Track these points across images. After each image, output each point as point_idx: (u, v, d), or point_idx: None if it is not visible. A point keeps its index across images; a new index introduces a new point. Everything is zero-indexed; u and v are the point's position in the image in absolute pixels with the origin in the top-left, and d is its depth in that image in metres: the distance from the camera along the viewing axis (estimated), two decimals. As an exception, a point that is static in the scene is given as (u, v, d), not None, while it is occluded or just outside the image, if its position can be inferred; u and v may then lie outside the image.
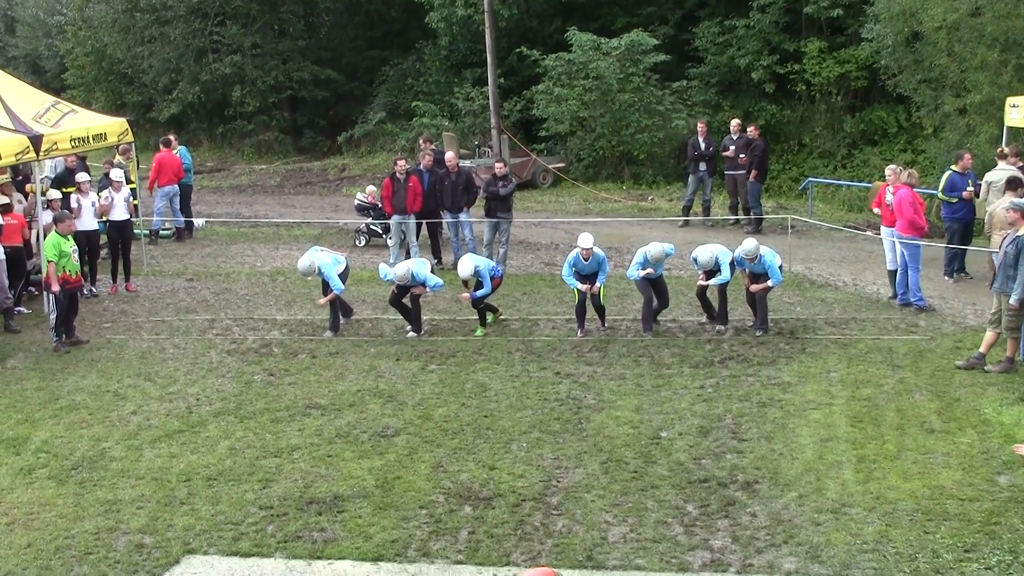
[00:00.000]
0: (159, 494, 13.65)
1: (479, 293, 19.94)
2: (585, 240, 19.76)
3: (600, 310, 20.41)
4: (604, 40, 35.25)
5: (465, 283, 20.39)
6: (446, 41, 41.11)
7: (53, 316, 20.05)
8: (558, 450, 14.84)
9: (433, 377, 17.84)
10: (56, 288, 19.41)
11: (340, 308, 20.58)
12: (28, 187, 24.37)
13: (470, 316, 21.26)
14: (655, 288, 20.21)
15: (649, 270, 20.05)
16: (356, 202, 28.71)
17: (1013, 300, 16.63)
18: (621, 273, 22.51)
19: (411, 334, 20.11)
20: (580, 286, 19.78)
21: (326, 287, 20.23)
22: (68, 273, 19.76)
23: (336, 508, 13.19)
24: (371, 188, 29.27)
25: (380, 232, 27.78)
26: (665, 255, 20.27)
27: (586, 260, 19.68)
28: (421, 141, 30.05)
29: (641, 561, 11.89)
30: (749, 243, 19.59)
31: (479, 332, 20.08)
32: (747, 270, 19.92)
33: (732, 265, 19.84)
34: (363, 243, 28.15)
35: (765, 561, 11.79)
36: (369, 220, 28.04)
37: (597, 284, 19.93)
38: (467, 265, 20.03)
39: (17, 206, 22.58)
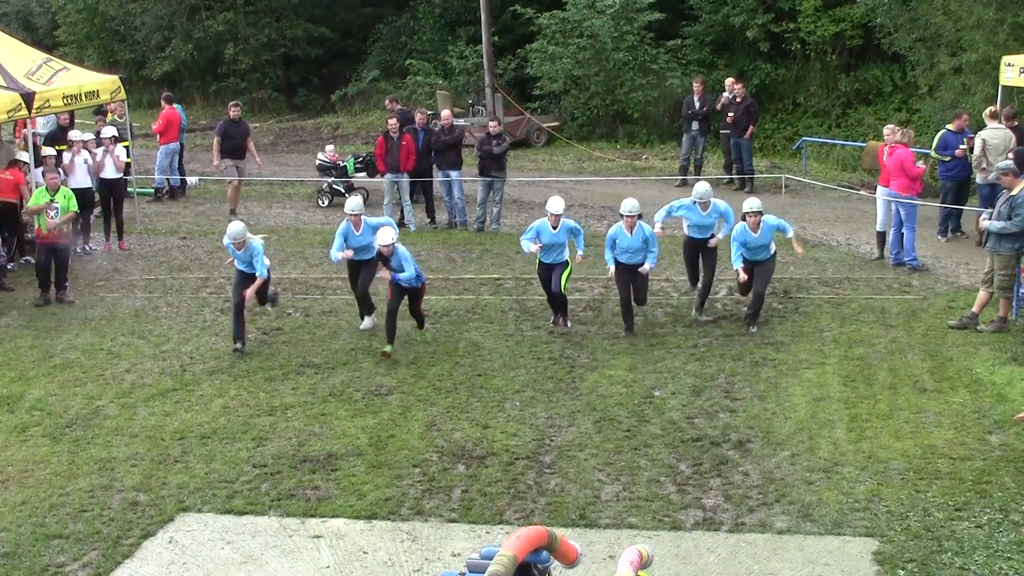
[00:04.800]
0: (153, 452, 13.72)
1: (401, 276, 16.84)
2: (555, 204, 17.76)
3: (561, 302, 17.97)
4: (599, -1, 35.22)
5: (382, 256, 17.11)
6: (439, 0, 41.05)
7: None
8: (551, 409, 14.90)
9: (427, 335, 17.88)
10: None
11: (265, 298, 18.32)
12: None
13: (464, 275, 21.27)
14: (635, 282, 17.72)
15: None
16: (317, 162, 28.81)
17: (986, 223, 17.53)
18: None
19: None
20: (532, 247, 17.61)
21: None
22: (40, 228, 19.87)
23: (330, 466, 13.26)
24: (330, 147, 29.58)
25: (343, 191, 27.67)
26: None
27: (554, 229, 17.58)
28: (387, 100, 29.95)
29: (634, 519, 11.95)
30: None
31: (420, 338, 17.74)
32: (744, 253, 17.56)
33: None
34: (326, 203, 28.16)
35: (757, 520, 11.86)
36: (332, 180, 28.08)
37: (570, 255, 17.85)
38: (388, 233, 16.86)
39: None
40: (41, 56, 25.76)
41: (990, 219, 17.49)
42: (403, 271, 16.69)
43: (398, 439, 14.09)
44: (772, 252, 17.76)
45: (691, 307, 18.48)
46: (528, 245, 17.56)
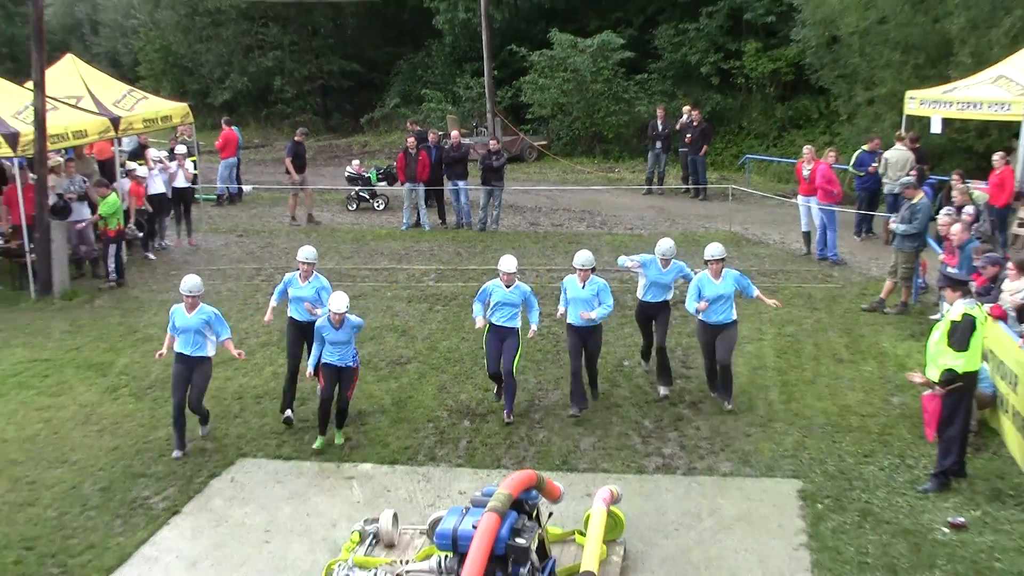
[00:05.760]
0: (217, 409, 13.77)
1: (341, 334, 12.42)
2: (507, 263, 13.20)
3: (510, 385, 13.25)
4: (580, 39, 35.08)
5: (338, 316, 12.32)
6: (449, 40, 40.90)
7: (112, 260, 20.21)
8: (540, 376, 14.97)
9: (438, 316, 17.92)
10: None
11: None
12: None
13: (469, 266, 21.29)
14: (587, 346, 13.45)
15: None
16: (346, 174, 28.82)
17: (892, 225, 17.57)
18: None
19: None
20: (479, 321, 13.20)
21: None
22: (110, 225, 20.06)
23: (360, 421, 13.34)
24: (356, 162, 29.68)
25: (367, 197, 27.91)
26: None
27: (507, 287, 13.12)
28: (408, 123, 30.14)
29: (606, 465, 12.05)
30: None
31: (339, 438, 12.76)
32: (702, 307, 13.31)
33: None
34: (354, 207, 28.11)
35: (706, 465, 11.97)
36: (358, 188, 28.14)
37: (531, 325, 13.40)
38: (342, 300, 12.35)
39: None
40: (125, 88, 26.01)
41: (896, 223, 17.66)
42: (345, 344, 12.49)
43: (415, 399, 14.18)
44: (734, 318, 13.50)
45: (654, 382, 14.27)
46: (478, 310, 13.25)
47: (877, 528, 10.39)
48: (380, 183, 27.97)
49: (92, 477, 11.98)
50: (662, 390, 13.97)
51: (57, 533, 10.72)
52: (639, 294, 14.10)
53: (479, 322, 13.20)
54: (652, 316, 14.06)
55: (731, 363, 13.45)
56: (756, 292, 13.75)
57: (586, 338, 13.37)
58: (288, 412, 13.43)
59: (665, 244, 13.70)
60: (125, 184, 21.73)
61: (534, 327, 13.41)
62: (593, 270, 13.24)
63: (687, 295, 13.53)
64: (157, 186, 22.74)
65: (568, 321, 13.36)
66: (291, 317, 13.62)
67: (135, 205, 21.69)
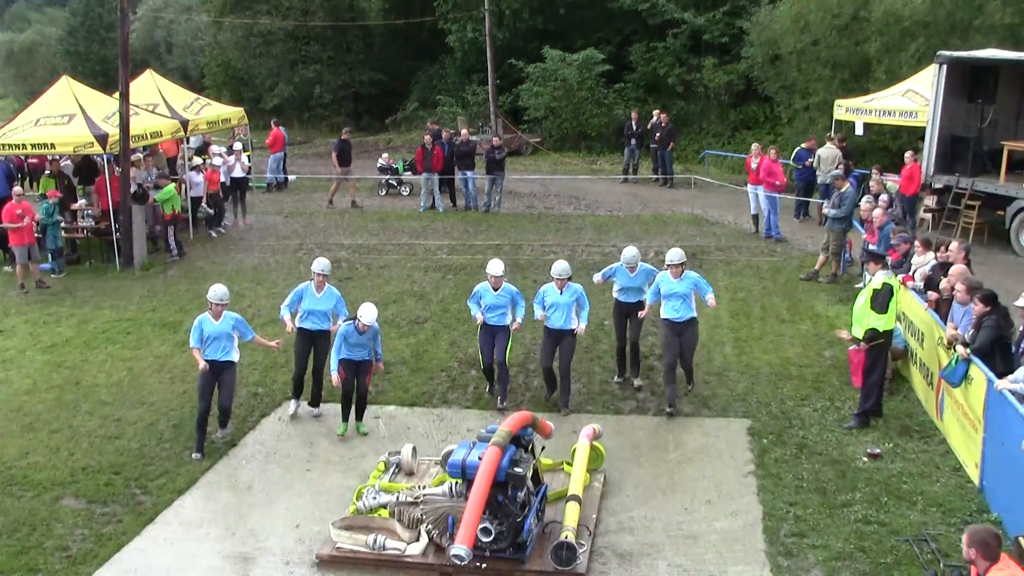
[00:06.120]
0: (267, 360, 13.80)
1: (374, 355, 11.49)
2: (494, 267, 12.06)
3: (503, 374, 12.11)
4: (568, 55, 34.87)
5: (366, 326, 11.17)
6: (460, 55, 40.55)
7: (172, 239, 20.13)
8: (535, 333, 14.91)
9: (450, 283, 17.91)
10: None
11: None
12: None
13: (475, 242, 21.25)
14: (561, 346, 11.98)
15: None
16: (378, 164, 28.71)
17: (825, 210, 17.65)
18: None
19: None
20: (478, 317, 12.04)
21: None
22: (165, 210, 19.94)
23: (384, 371, 13.33)
24: (386, 155, 29.67)
25: (395, 184, 27.85)
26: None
27: (495, 290, 11.96)
28: (429, 123, 30.10)
29: (590, 407, 12.09)
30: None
31: (360, 430, 11.55)
32: (657, 302, 12.09)
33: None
34: (384, 192, 27.97)
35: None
36: (388, 176, 28.04)
37: (513, 320, 12.01)
38: (372, 312, 11.19)
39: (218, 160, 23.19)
40: (193, 96, 26.00)
41: (828, 208, 17.71)
42: (365, 346, 11.34)
43: (430, 353, 14.18)
44: (694, 315, 11.99)
45: (629, 375, 12.93)
46: (475, 309, 12.11)
47: (811, 458, 10.42)
48: (406, 173, 27.89)
49: (166, 416, 12.00)
50: (636, 381, 12.64)
51: (138, 461, 10.76)
52: (614, 293, 12.77)
53: (479, 318, 11.94)
54: (627, 314, 12.54)
55: (692, 363, 12.32)
56: (710, 297, 11.90)
57: (559, 340, 11.94)
58: (297, 405, 12.05)
59: (628, 253, 12.40)
60: (195, 176, 21.80)
61: (519, 321, 11.96)
62: (569, 279, 11.95)
63: (649, 291, 12.21)
64: (220, 178, 22.79)
65: (546, 325, 11.96)
66: (301, 328, 11.84)
67: (208, 190, 21.97)
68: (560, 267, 11.89)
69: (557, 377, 12.13)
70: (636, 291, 12.43)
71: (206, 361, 10.86)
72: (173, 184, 20.52)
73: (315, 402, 12.11)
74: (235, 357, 11.17)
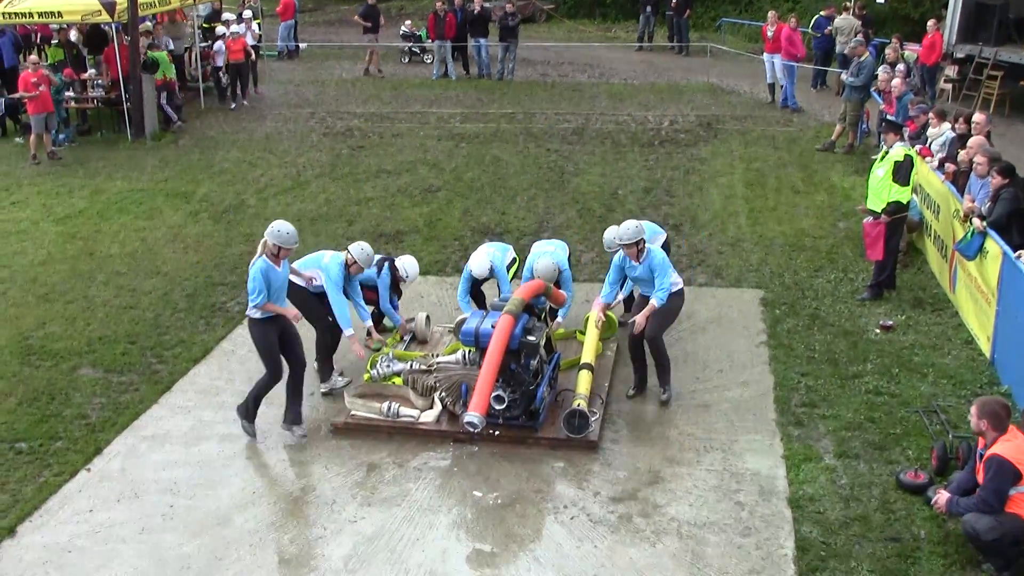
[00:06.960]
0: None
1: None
2: (479, 265, 10.14)
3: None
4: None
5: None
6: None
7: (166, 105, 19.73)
8: (548, 201, 14.82)
9: (463, 151, 17.68)
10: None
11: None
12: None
13: (488, 110, 20.92)
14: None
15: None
16: (401, 31, 27.97)
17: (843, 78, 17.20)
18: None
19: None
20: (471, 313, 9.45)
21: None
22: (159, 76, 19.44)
23: (398, 240, 13.25)
24: (408, 22, 28.70)
25: (418, 52, 27.13)
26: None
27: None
28: None
29: (602, 275, 11.97)
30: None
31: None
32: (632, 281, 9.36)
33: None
34: (407, 60, 27.36)
35: (686, 277, 11.65)
36: (411, 44, 27.36)
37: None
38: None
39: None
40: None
41: (846, 76, 17.32)
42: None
43: (444, 221, 14.06)
44: (669, 291, 8.78)
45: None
46: (466, 305, 10.18)
47: (823, 329, 10.35)
48: (428, 40, 27.28)
49: (180, 286, 11.97)
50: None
51: (154, 331, 10.76)
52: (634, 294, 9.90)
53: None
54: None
55: (660, 339, 8.96)
56: (660, 297, 8.77)
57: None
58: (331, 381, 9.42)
59: (606, 236, 10.39)
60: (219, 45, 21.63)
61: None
62: (561, 272, 9.76)
63: (606, 278, 9.32)
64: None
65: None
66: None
67: (230, 59, 21.66)
68: (543, 269, 9.63)
69: None
70: (650, 282, 8.99)
71: (272, 317, 8.28)
72: (165, 52, 20.07)
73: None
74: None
